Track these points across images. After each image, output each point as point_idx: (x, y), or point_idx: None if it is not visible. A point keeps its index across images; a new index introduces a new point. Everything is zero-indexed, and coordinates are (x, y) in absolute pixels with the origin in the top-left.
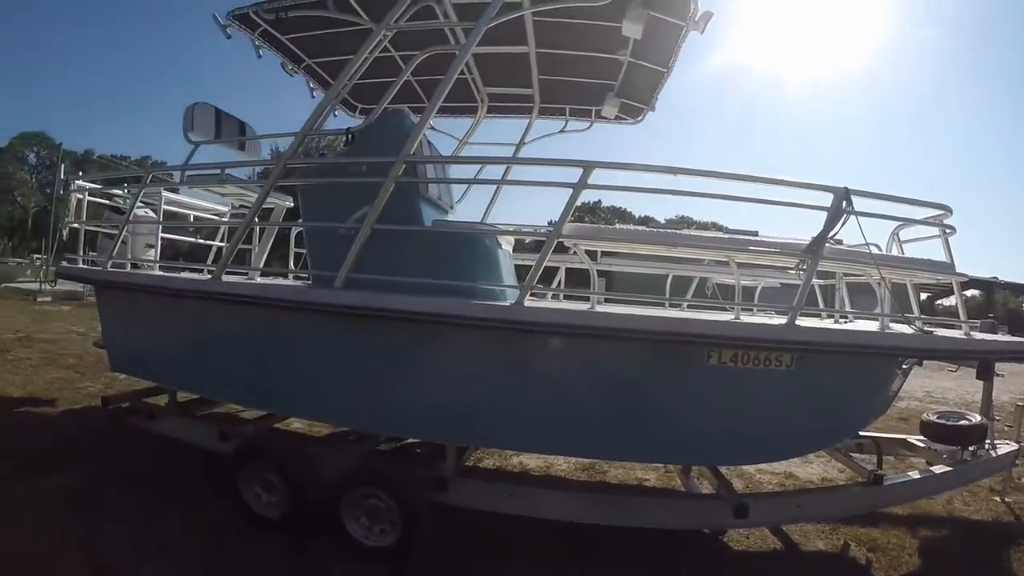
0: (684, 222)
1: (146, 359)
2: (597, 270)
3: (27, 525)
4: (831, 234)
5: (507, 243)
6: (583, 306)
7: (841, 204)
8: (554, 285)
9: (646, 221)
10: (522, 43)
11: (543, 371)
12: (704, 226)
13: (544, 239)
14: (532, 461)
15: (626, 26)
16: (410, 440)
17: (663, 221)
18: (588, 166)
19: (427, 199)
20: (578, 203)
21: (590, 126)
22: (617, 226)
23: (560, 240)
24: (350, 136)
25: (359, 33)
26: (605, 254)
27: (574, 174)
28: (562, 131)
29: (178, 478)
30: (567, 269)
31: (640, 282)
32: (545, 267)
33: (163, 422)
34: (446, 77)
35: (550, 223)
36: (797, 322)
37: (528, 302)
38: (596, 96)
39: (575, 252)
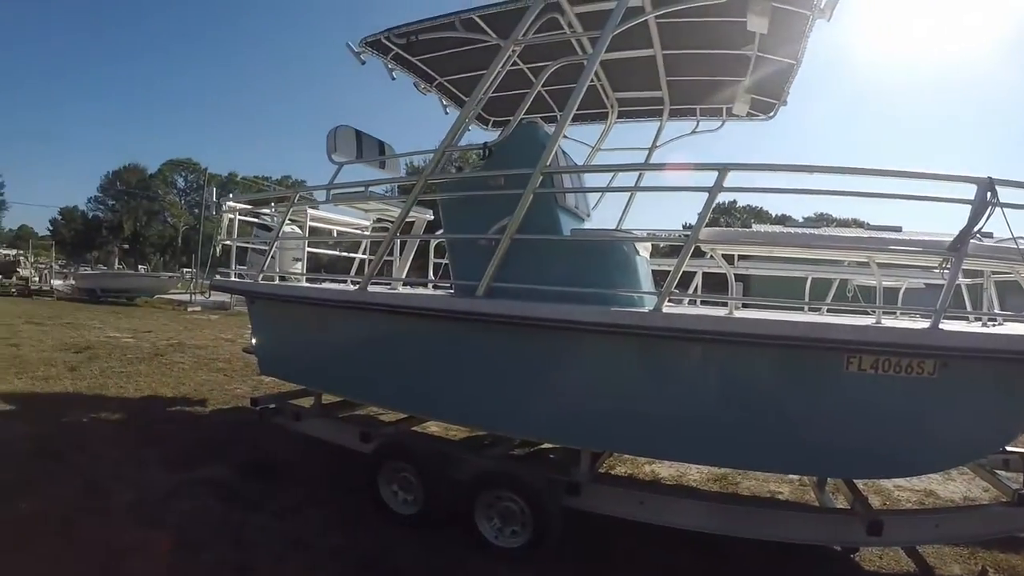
0: (823, 220)
1: (293, 363)
2: (735, 274)
3: (175, 514)
4: (976, 229)
5: (644, 248)
6: (721, 311)
7: (985, 196)
8: (691, 290)
9: (783, 220)
10: (648, 46)
11: (679, 378)
12: (844, 223)
13: (681, 244)
14: (664, 470)
15: (751, 20)
16: (544, 445)
17: (800, 219)
18: (723, 169)
19: (564, 208)
20: (713, 204)
21: (722, 125)
22: (754, 228)
23: (696, 244)
24: (487, 150)
25: (487, 49)
26: (742, 257)
27: (709, 177)
28: (694, 132)
29: (319, 475)
30: (703, 273)
31: (779, 285)
32: (682, 272)
33: (308, 423)
34: (577, 87)
35: (685, 226)
36: (941, 326)
37: (666, 308)
38: (726, 94)
39: (712, 256)
